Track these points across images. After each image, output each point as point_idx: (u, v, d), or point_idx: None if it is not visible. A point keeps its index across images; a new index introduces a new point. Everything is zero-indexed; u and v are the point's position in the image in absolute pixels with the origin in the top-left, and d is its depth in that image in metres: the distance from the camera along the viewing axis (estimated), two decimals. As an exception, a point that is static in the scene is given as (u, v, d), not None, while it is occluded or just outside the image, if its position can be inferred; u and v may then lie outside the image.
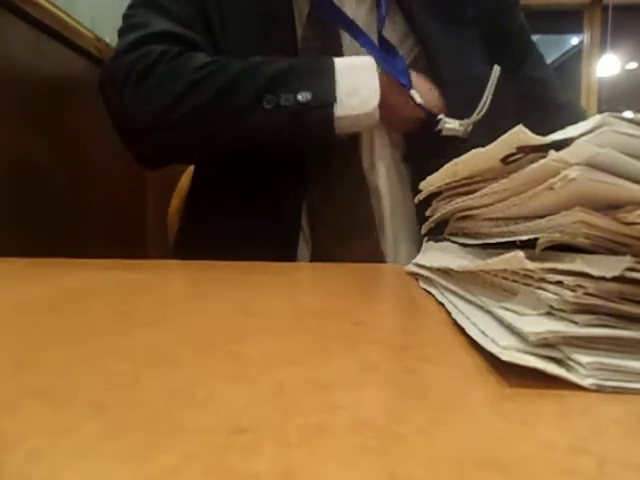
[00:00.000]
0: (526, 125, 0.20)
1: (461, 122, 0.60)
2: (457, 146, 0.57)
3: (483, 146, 0.24)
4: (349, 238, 0.59)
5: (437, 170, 0.37)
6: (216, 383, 0.15)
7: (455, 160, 0.30)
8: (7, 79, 0.73)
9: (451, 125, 0.60)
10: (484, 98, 0.59)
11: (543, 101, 0.70)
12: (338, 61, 0.56)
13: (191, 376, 0.16)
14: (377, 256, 0.60)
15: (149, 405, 0.13)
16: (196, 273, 0.45)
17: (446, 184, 0.34)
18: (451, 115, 0.61)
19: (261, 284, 0.41)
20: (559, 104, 0.71)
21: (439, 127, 0.60)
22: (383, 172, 0.62)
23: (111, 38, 0.97)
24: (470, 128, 0.60)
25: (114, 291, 0.35)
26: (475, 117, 0.60)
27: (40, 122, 0.81)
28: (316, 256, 0.59)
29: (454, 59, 0.63)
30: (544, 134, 0.20)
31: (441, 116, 0.60)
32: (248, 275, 0.47)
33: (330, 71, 0.55)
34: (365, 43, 0.60)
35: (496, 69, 0.60)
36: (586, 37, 4.00)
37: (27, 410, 0.13)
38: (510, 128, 0.23)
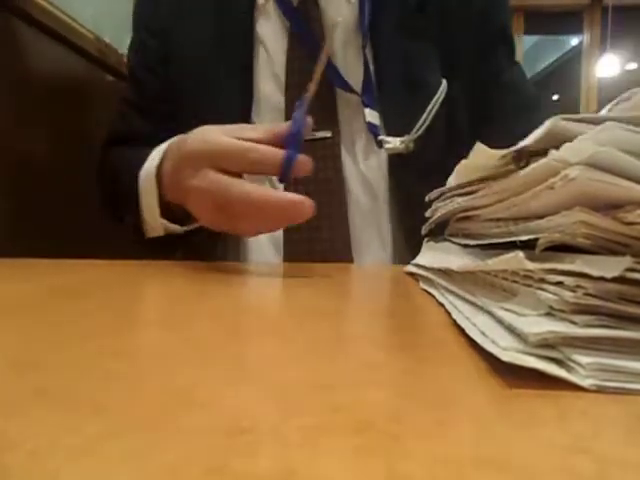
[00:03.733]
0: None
1: (402, 139, 0.59)
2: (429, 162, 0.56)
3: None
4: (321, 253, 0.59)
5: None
6: (216, 383, 0.15)
7: (463, 161, 0.30)
8: (7, 79, 0.73)
9: (391, 145, 0.59)
10: (425, 114, 0.58)
11: (503, 105, 0.66)
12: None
13: (191, 376, 0.16)
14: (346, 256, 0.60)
15: (149, 405, 0.13)
16: (194, 273, 0.45)
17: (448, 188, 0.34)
18: (393, 129, 0.59)
19: (260, 284, 0.41)
20: (522, 105, 0.67)
21: (381, 147, 0.59)
22: (355, 182, 0.61)
23: (111, 38, 0.97)
24: (412, 145, 0.58)
25: (114, 291, 0.36)
26: (414, 134, 0.58)
27: (40, 122, 0.81)
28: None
29: (403, 67, 0.61)
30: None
31: (382, 137, 0.59)
32: (247, 275, 0.47)
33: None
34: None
35: (444, 84, 0.58)
36: (586, 37, 4.00)
37: (27, 410, 0.13)
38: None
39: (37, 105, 0.80)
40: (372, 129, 0.60)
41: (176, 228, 0.53)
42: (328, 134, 0.60)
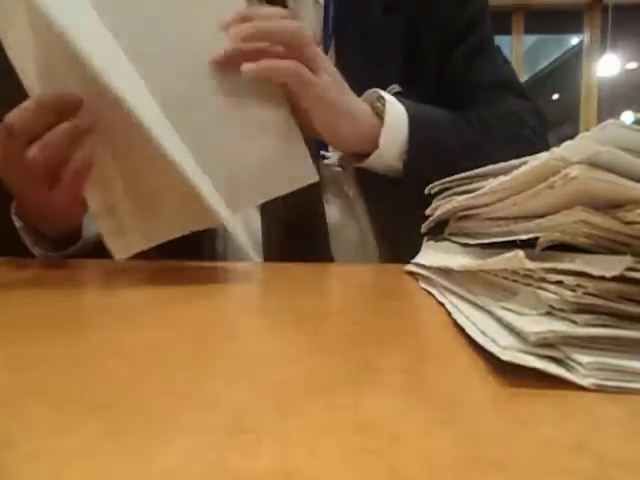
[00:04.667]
0: None
1: (340, 155, 0.57)
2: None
3: None
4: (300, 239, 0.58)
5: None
6: (216, 383, 0.15)
7: None
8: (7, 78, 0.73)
9: (328, 161, 0.57)
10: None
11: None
12: None
13: (191, 376, 0.16)
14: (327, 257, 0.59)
15: (149, 405, 0.13)
16: (194, 273, 0.45)
17: (449, 182, 0.34)
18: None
19: (260, 284, 0.41)
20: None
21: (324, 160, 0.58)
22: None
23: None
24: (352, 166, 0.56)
25: (113, 291, 0.36)
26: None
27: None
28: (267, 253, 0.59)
29: (362, 75, 0.57)
30: None
31: (323, 152, 0.58)
32: (246, 275, 0.47)
33: None
34: None
35: (392, 88, 0.56)
36: (586, 37, 4.00)
37: (27, 410, 0.13)
38: None
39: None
40: (317, 140, 0.57)
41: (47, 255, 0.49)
42: None
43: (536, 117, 0.65)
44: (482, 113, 0.60)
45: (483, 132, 0.58)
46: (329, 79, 0.47)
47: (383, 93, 0.52)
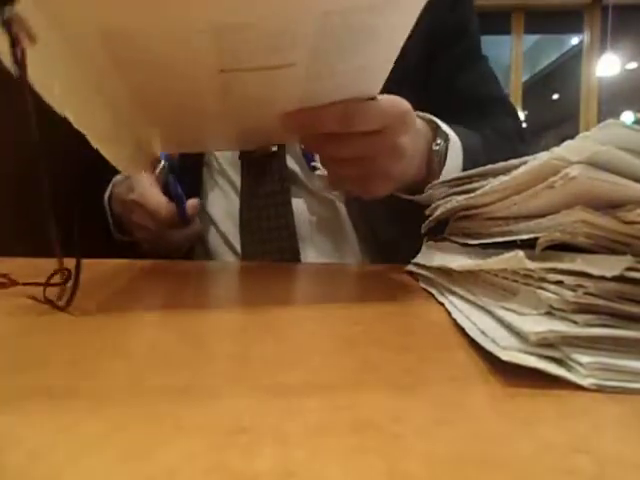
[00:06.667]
0: None
1: None
2: None
3: None
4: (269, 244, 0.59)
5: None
6: (216, 383, 0.15)
7: None
8: (10, 78, 0.74)
9: (320, 172, 0.55)
10: None
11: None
12: None
13: (191, 376, 0.16)
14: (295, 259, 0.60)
15: (149, 405, 0.13)
16: (195, 273, 0.45)
17: (449, 181, 0.34)
18: None
19: (257, 285, 0.41)
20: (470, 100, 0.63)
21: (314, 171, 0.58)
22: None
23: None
24: None
25: (114, 291, 0.36)
26: None
27: (42, 120, 0.81)
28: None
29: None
30: None
31: (314, 163, 0.57)
32: (247, 276, 0.47)
33: None
34: None
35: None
36: (586, 37, 4.00)
37: (27, 410, 0.13)
38: None
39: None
40: (306, 153, 0.57)
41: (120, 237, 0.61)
42: (274, 148, 0.59)
43: (518, 137, 0.64)
44: (489, 132, 0.59)
45: (495, 151, 0.57)
46: (384, 165, 0.42)
47: (448, 131, 0.49)
